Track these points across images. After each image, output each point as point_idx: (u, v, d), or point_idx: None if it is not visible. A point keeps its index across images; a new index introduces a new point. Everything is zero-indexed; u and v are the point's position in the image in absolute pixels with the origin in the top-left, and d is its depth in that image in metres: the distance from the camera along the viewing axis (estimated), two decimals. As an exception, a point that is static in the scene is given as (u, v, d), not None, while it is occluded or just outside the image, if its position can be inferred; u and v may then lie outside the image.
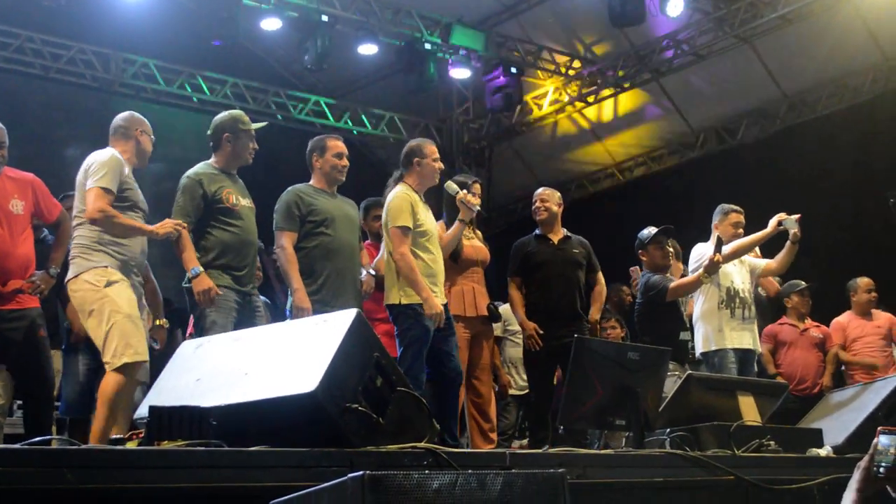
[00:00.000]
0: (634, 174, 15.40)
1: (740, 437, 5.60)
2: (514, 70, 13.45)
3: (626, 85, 14.11)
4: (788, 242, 8.06)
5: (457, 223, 7.31)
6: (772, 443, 5.69)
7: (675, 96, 14.28)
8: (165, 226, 6.28)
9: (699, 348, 8.22)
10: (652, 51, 13.45)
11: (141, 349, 6.07)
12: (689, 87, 14.04)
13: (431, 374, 6.93)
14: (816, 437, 6.06)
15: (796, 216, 7.98)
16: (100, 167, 6.09)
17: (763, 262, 8.40)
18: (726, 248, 8.03)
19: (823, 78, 13.26)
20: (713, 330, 8.10)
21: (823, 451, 5.85)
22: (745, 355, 8.10)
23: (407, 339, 6.89)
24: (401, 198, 6.94)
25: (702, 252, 8.19)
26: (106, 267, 6.09)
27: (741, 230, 8.24)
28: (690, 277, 8.17)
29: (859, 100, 13.03)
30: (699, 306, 8.27)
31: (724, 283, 8.11)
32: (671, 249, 8.55)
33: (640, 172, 15.34)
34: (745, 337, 8.12)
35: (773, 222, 8.02)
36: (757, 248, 8.45)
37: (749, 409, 6.04)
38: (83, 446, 5.37)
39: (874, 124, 12.58)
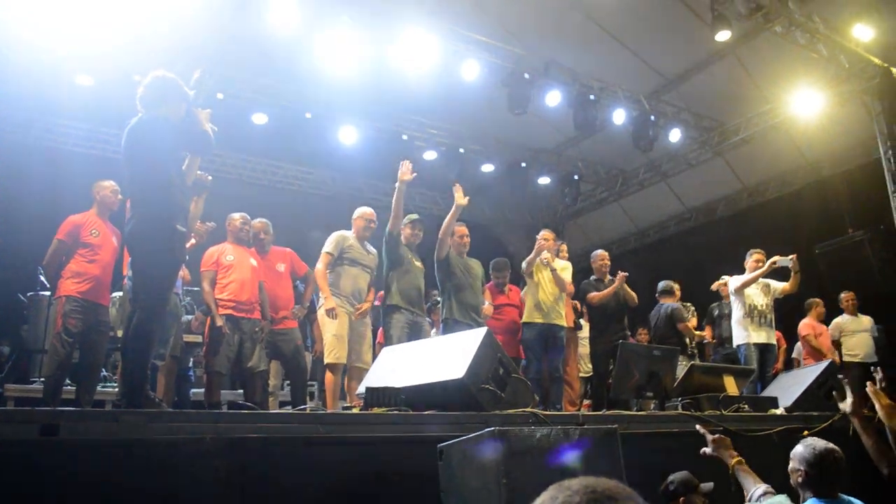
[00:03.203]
0: (654, 237, 14.94)
1: (725, 402, 5.46)
2: (576, 177, 13.45)
3: (646, 184, 13.88)
4: (792, 272, 7.68)
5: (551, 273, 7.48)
6: (745, 406, 5.53)
7: (676, 189, 13.98)
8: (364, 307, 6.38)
9: (735, 342, 7.85)
10: (661, 162, 13.19)
11: (340, 355, 6.01)
12: (684, 184, 13.70)
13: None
14: (774, 402, 5.85)
15: (792, 256, 7.59)
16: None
17: (781, 285, 7.94)
18: (738, 281, 7.78)
19: (768, 176, 12.79)
20: (742, 331, 7.76)
21: (779, 411, 5.66)
22: (765, 348, 7.71)
23: (524, 345, 6.96)
24: (528, 261, 7.34)
25: (734, 280, 7.97)
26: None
27: (761, 264, 7.77)
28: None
29: (789, 189, 12.48)
30: (734, 316, 7.92)
31: (747, 301, 7.77)
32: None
33: (658, 236, 14.85)
34: (762, 335, 7.71)
35: (769, 263, 7.64)
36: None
37: (731, 385, 5.88)
38: (328, 411, 5.48)
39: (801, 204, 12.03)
